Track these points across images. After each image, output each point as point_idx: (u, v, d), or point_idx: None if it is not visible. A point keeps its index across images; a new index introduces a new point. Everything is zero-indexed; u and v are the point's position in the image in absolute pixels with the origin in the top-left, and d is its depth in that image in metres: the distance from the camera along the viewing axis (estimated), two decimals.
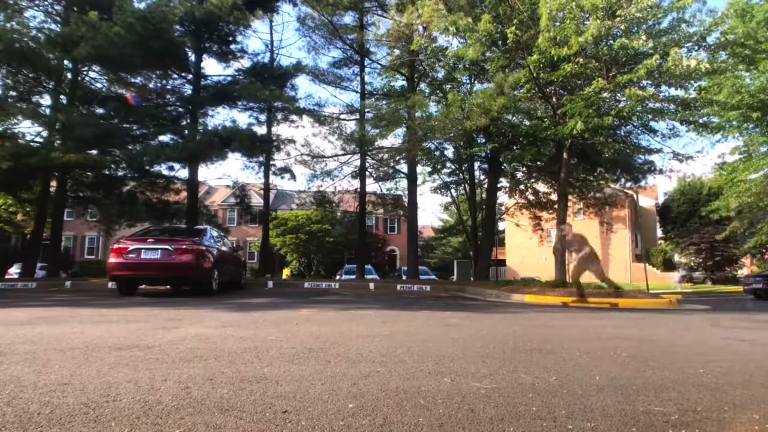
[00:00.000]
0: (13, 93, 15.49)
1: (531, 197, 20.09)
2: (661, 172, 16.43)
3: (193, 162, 16.63)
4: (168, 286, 10.56)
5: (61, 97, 16.05)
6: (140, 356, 2.66)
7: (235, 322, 4.62)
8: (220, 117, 63.64)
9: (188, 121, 16.95)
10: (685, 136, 56.57)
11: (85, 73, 16.87)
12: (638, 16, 11.24)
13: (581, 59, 11.60)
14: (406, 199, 21.03)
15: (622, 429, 1.58)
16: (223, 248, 10.68)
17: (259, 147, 17.21)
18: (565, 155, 13.66)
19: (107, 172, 16.39)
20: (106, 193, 17.00)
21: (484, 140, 16.19)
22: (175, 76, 17.52)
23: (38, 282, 13.36)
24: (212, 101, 17.06)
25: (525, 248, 33.22)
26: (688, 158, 15.11)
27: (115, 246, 9.08)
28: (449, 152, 19.76)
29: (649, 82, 12.16)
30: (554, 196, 17.76)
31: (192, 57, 17.32)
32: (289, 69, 18.96)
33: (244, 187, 21.58)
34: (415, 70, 18.87)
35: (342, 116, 19.99)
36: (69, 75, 16.11)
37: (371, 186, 21.80)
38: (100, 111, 16.09)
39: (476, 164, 20.29)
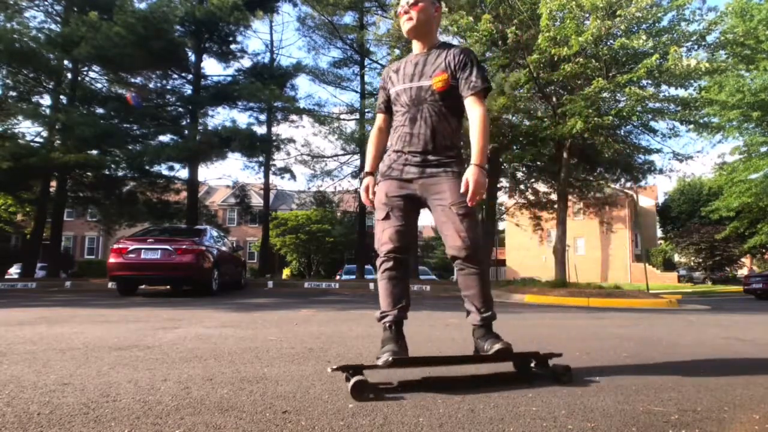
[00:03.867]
0: (13, 93, 15.49)
1: (531, 197, 20.09)
2: (661, 172, 16.42)
3: (193, 162, 16.63)
4: (168, 286, 10.56)
5: (61, 97, 16.05)
6: (140, 356, 2.66)
7: (235, 322, 4.62)
8: (220, 117, 63.72)
9: (188, 121, 16.95)
10: (685, 136, 56.61)
11: (85, 73, 16.88)
12: (638, 16, 11.23)
13: (581, 59, 11.60)
14: None
15: (622, 429, 1.58)
16: (223, 248, 10.69)
17: (259, 147, 17.21)
18: (565, 155, 13.65)
19: (107, 172, 16.39)
20: (106, 193, 17.00)
21: None
22: (175, 76, 17.52)
23: (38, 282, 13.37)
24: (212, 101, 17.06)
25: (525, 248, 33.26)
26: (688, 158, 15.11)
27: (115, 246, 9.08)
28: None
29: (649, 81, 12.16)
30: (554, 196, 17.76)
31: (192, 57, 17.34)
32: (289, 69, 18.96)
33: (244, 187, 21.59)
34: None
35: (342, 116, 20.02)
36: (69, 75, 16.12)
37: None
38: (100, 111, 16.09)
39: None
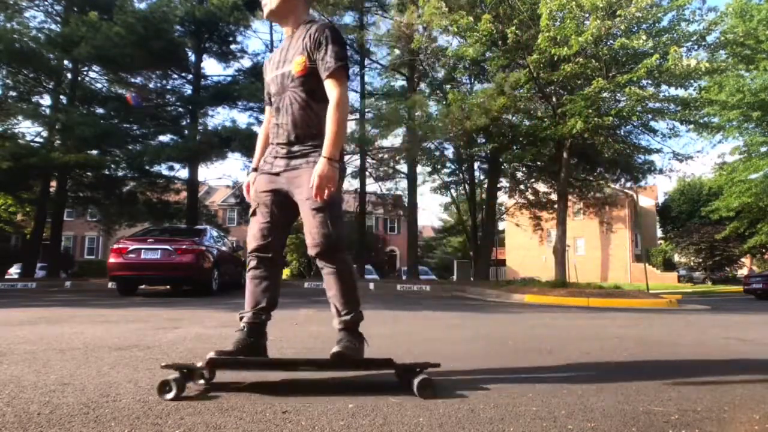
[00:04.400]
0: (13, 93, 15.50)
1: (531, 197, 20.10)
2: (661, 172, 16.44)
3: (193, 162, 16.64)
4: (168, 286, 10.56)
5: (61, 97, 16.06)
6: (140, 356, 2.66)
7: (235, 322, 4.61)
8: (220, 117, 63.73)
9: (188, 121, 16.97)
10: (685, 136, 56.55)
11: (85, 73, 16.89)
12: (638, 16, 11.24)
13: (581, 59, 11.61)
14: (406, 199, 21.03)
15: (622, 429, 1.58)
16: (223, 248, 10.68)
17: None
18: (565, 155, 13.66)
19: (107, 172, 16.41)
20: (106, 193, 17.01)
21: (484, 140, 16.19)
22: (175, 76, 17.53)
23: (38, 282, 13.37)
24: (212, 101, 17.07)
25: (525, 248, 33.21)
26: (688, 158, 15.15)
27: (115, 246, 9.08)
28: (449, 152, 19.78)
29: (649, 81, 12.17)
30: (554, 196, 17.77)
31: (192, 57, 17.35)
32: None
33: None
34: (415, 70, 18.88)
35: None
36: (69, 75, 16.13)
37: (371, 186, 21.77)
38: (100, 111, 16.10)
39: (476, 164, 20.30)
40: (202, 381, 1.99)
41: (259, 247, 2.13)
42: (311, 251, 2.04)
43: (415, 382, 1.87)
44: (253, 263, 2.16)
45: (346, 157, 19.95)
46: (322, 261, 2.06)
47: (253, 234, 2.16)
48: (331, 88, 2.00)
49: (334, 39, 2.02)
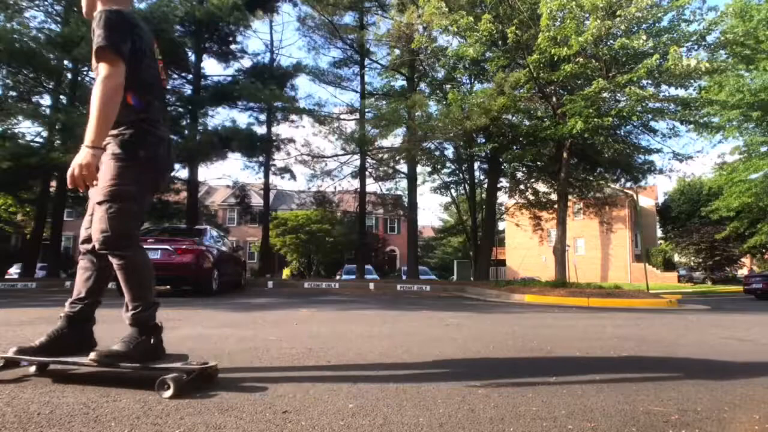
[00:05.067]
0: (13, 93, 15.47)
1: (531, 197, 20.08)
2: (661, 172, 16.44)
3: (193, 162, 16.63)
4: (168, 286, 10.55)
5: (61, 97, 16.04)
6: None
7: (235, 322, 4.62)
8: (220, 117, 63.70)
9: (188, 121, 16.95)
10: (685, 136, 56.59)
11: (85, 73, 16.85)
12: (638, 16, 11.24)
13: (581, 59, 11.61)
14: (406, 199, 21.03)
15: (622, 429, 1.58)
16: (223, 248, 10.68)
17: (259, 147, 17.22)
18: (565, 155, 13.66)
19: None
20: None
21: (484, 140, 16.19)
22: (175, 76, 17.52)
23: (38, 282, 13.36)
24: (212, 101, 17.06)
25: (525, 248, 33.22)
26: (688, 158, 15.15)
27: None
28: (449, 152, 19.79)
29: (649, 81, 12.17)
30: (554, 196, 17.77)
31: (192, 57, 17.34)
32: (289, 69, 18.96)
33: (244, 187, 21.59)
34: (415, 70, 18.88)
35: (342, 116, 20.00)
36: (69, 75, 16.10)
37: (371, 186, 21.77)
38: None
39: (476, 164, 20.30)
40: (33, 368, 2.12)
41: (83, 239, 2.13)
42: (94, 244, 2.01)
43: (158, 380, 1.81)
44: (79, 256, 2.15)
45: (346, 157, 19.98)
46: (108, 254, 2.01)
47: (82, 227, 2.15)
48: (100, 70, 1.91)
49: (100, 23, 1.93)
